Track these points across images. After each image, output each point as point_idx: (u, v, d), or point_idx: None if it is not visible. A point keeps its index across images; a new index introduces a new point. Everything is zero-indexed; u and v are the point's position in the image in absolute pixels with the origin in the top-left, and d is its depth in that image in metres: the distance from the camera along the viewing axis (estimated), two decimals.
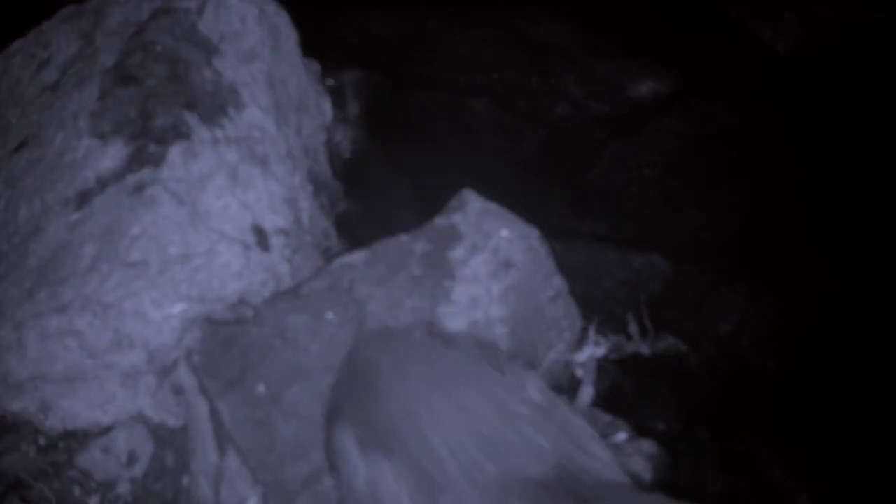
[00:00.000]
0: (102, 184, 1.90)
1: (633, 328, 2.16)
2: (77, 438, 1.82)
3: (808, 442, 2.10)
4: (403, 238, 1.89)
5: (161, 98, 1.96)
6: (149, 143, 1.91)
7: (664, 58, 3.04)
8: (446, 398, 1.54)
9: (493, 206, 1.96)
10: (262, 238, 1.95)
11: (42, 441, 1.81)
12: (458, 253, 1.87)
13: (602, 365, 2.05)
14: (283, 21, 2.27)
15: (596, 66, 3.03)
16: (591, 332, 2.04)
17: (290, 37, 2.29)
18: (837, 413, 2.14)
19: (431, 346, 1.66)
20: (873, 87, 2.86)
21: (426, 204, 2.03)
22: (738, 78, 2.98)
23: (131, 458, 1.80)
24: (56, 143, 1.99)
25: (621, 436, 1.92)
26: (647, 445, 1.92)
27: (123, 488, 1.78)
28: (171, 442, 1.85)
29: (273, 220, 1.97)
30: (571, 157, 2.78)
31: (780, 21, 3.15)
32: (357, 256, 1.87)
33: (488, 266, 1.86)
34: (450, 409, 1.53)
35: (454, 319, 1.81)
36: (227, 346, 1.72)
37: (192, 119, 1.95)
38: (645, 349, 2.15)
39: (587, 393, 1.96)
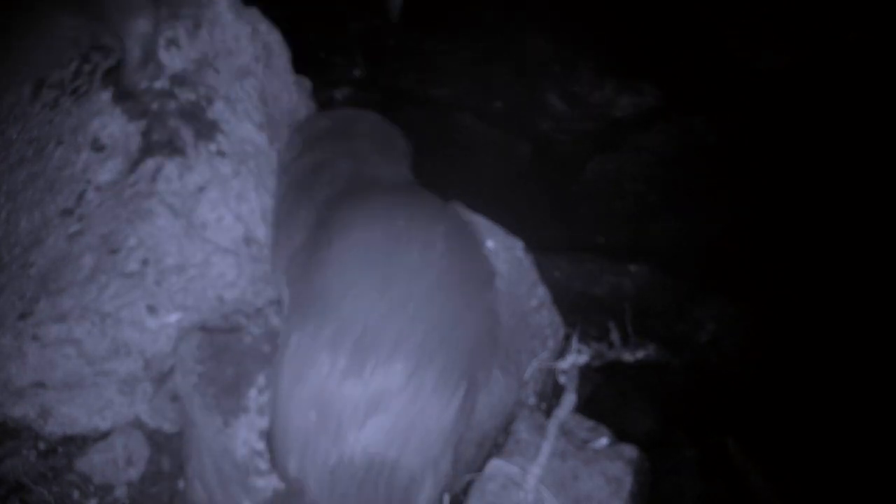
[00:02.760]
0: (101, 197, 1.93)
1: (614, 336, 2.18)
2: (76, 443, 1.83)
3: (786, 447, 2.13)
4: None
5: (157, 113, 1.99)
6: (145, 158, 1.94)
7: (645, 75, 3.06)
8: (386, 270, 1.59)
9: (479, 219, 1.98)
10: (255, 249, 1.97)
11: (42, 446, 1.82)
12: None
13: (584, 372, 2.06)
14: (275, 39, 2.27)
15: (579, 83, 3.05)
16: (574, 340, 2.05)
17: (282, 55, 2.29)
18: (814, 418, 2.17)
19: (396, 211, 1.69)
20: (849, 102, 2.90)
21: None
22: (717, 94, 3.00)
23: (129, 463, 1.81)
24: (55, 157, 2.01)
25: (603, 441, 1.91)
26: (629, 450, 1.90)
27: (121, 491, 1.79)
28: (167, 447, 1.87)
29: (266, 232, 1.99)
30: (555, 171, 2.80)
31: (757, 39, 3.17)
32: None
33: None
34: (386, 282, 1.58)
35: None
36: (221, 353, 1.75)
37: (187, 134, 1.98)
38: (626, 356, 2.18)
39: (570, 399, 1.95)
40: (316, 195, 1.81)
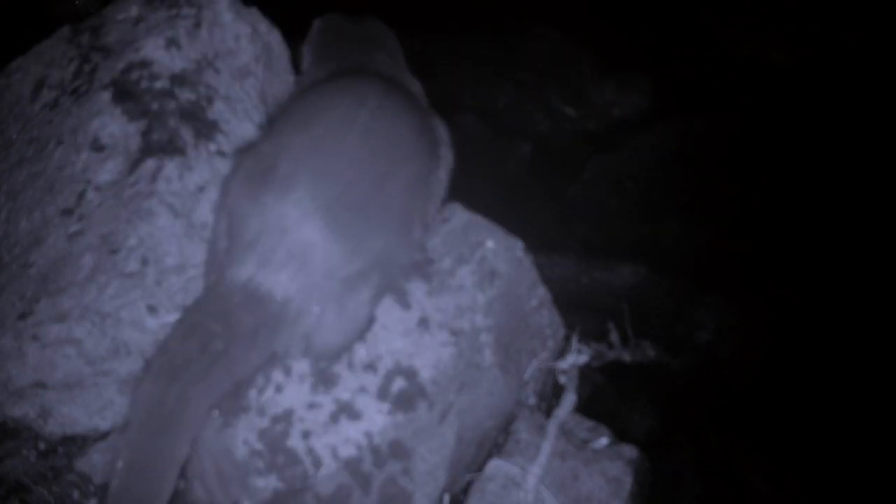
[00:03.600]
0: (101, 197, 1.93)
1: (614, 336, 2.18)
2: (76, 443, 1.82)
3: (786, 447, 2.14)
4: None
5: (157, 113, 1.99)
6: (145, 158, 1.94)
7: (645, 75, 3.06)
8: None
9: (480, 219, 1.99)
10: None
11: (42, 446, 1.82)
12: (445, 263, 1.90)
13: (584, 372, 2.07)
14: (275, 39, 2.27)
15: (579, 83, 3.05)
16: (574, 341, 2.06)
17: (282, 55, 2.29)
18: (814, 419, 2.17)
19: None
20: (850, 101, 2.90)
21: None
22: (718, 94, 3.00)
23: None
24: (56, 157, 2.01)
25: (603, 441, 1.93)
26: (628, 450, 1.91)
27: None
28: None
29: None
30: (555, 172, 2.80)
31: (759, 38, 3.17)
32: None
33: (474, 276, 1.89)
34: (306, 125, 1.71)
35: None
36: None
37: (187, 134, 1.98)
38: (626, 357, 2.18)
39: (570, 399, 1.96)
40: None
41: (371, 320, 1.78)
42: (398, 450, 1.72)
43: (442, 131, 1.92)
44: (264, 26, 2.26)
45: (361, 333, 1.77)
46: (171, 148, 1.96)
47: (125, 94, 2.03)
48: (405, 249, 1.79)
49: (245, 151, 1.80)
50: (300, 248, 1.62)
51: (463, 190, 1.99)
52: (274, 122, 1.81)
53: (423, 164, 1.81)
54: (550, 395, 2.06)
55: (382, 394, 1.74)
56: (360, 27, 2.18)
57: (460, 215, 1.99)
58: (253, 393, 1.73)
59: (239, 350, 1.63)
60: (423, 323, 1.82)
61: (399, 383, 1.75)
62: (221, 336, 1.61)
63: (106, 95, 2.04)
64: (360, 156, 1.68)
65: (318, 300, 1.66)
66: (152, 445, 1.59)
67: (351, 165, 1.67)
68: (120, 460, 1.56)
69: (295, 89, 2.09)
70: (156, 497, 1.58)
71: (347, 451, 1.70)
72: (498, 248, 1.95)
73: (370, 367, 1.76)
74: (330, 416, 1.72)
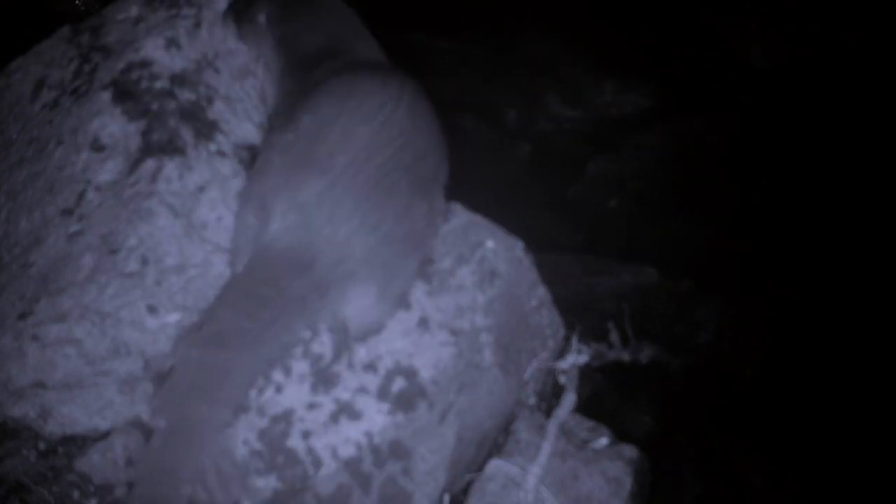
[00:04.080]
0: (101, 197, 1.93)
1: (614, 336, 2.19)
2: (76, 443, 1.82)
3: (786, 448, 2.13)
4: None
5: (157, 113, 2.00)
6: (146, 158, 1.94)
7: (645, 75, 3.06)
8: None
9: (480, 219, 1.99)
10: None
11: (42, 446, 1.82)
12: (445, 263, 1.90)
13: (584, 372, 2.07)
14: None
15: (579, 83, 3.05)
16: (574, 340, 2.06)
17: None
18: (815, 419, 2.17)
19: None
20: (849, 101, 2.89)
21: None
22: (718, 94, 3.00)
23: (129, 463, 1.79)
24: (56, 157, 2.01)
25: (603, 441, 1.93)
26: (629, 450, 1.92)
27: (121, 491, 1.77)
28: None
29: None
30: (555, 172, 2.81)
31: (758, 38, 3.17)
32: None
33: (474, 276, 1.89)
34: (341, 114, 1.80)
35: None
36: None
37: (187, 134, 1.98)
38: (626, 356, 2.18)
39: (570, 399, 1.96)
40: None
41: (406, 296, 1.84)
42: (398, 450, 1.72)
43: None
44: None
45: (399, 304, 1.82)
46: (171, 148, 1.96)
47: (125, 94, 2.03)
48: (432, 229, 1.89)
49: (271, 145, 1.88)
50: (342, 216, 1.71)
51: (463, 190, 1.99)
52: (296, 113, 1.85)
53: (442, 153, 1.91)
54: (550, 395, 2.06)
55: (382, 394, 1.74)
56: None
57: (460, 215, 1.99)
58: (253, 393, 1.73)
59: (288, 317, 1.69)
60: (424, 323, 1.82)
61: (399, 383, 1.76)
62: (273, 303, 1.66)
63: (106, 95, 2.04)
64: (398, 142, 1.78)
65: (364, 264, 1.72)
66: (196, 411, 1.64)
67: (386, 149, 1.76)
68: (161, 419, 1.61)
69: (297, 74, 2.09)
70: (194, 461, 1.64)
71: (347, 451, 1.70)
72: (498, 248, 1.95)
73: (370, 367, 1.77)
74: (330, 416, 1.72)
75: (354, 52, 2.05)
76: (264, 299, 1.67)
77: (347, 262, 1.71)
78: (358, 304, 1.75)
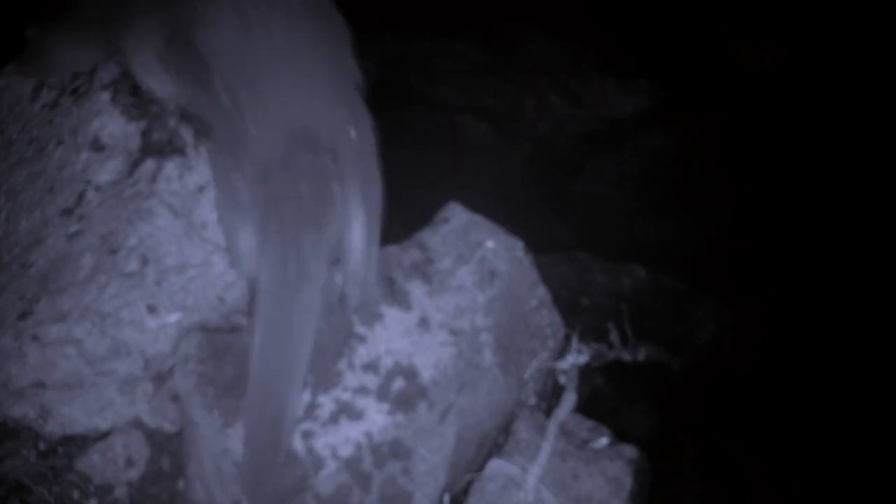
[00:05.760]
0: (101, 197, 1.93)
1: (614, 336, 2.19)
2: (76, 443, 1.83)
3: (787, 448, 2.13)
4: (392, 249, 1.91)
5: (158, 113, 1.99)
6: (146, 158, 1.94)
7: (645, 75, 3.06)
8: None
9: (479, 219, 1.99)
10: None
11: (42, 446, 1.83)
12: (445, 263, 1.91)
13: (584, 372, 2.07)
14: None
15: (579, 83, 3.04)
16: (574, 341, 2.06)
17: None
18: (816, 419, 2.16)
19: None
20: (848, 103, 2.88)
21: (415, 216, 2.05)
22: (717, 95, 2.99)
23: (129, 463, 1.81)
24: (56, 157, 2.01)
25: (603, 441, 1.93)
26: (629, 450, 1.92)
27: (121, 492, 1.79)
28: (167, 447, 1.87)
29: None
30: (555, 172, 2.80)
31: (757, 39, 3.16)
32: None
33: (474, 276, 1.89)
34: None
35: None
36: (221, 353, 1.76)
37: (187, 134, 1.98)
38: (626, 356, 2.18)
39: (570, 399, 1.96)
40: None
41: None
42: (398, 450, 1.72)
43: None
44: None
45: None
46: (171, 148, 1.96)
47: (125, 94, 2.03)
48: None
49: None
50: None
51: (463, 190, 1.99)
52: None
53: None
54: (550, 395, 2.06)
55: (382, 394, 1.74)
56: None
57: (460, 215, 1.99)
58: None
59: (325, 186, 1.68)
60: (424, 323, 1.82)
61: (399, 383, 1.76)
62: (310, 168, 1.66)
63: (106, 95, 2.04)
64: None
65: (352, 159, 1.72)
66: (288, 306, 1.63)
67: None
68: (258, 323, 1.62)
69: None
70: (299, 356, 1.65)
71: (347, 451, 1.70)
72: (498, 248, 1.95)
73: (370, 366, 1.77)
74: (330, 416, 1.72)
75: None
76: (300, 165, 1.66)
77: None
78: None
